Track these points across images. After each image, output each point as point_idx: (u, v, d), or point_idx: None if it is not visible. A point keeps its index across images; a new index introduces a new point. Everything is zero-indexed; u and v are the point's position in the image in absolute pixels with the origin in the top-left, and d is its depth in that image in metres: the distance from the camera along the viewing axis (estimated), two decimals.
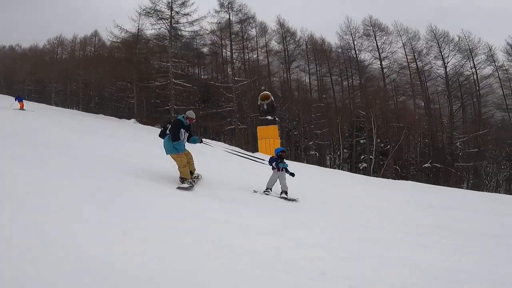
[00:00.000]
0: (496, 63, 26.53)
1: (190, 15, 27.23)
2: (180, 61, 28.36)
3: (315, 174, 11.34)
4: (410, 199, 7.83)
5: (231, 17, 28.96)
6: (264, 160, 6.82)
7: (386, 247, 3.81)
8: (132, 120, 23.52)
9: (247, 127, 27.58)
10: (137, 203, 3.92)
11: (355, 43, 29.87)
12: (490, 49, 26.77)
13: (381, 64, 29.01)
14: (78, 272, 2.08)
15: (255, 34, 30.73)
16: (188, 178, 5.45)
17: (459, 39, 26.64)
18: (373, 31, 29.23)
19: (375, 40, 29.16)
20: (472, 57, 26.66)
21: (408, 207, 6.93)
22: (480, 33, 43.27)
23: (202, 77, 33.72)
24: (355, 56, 30.13)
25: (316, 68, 31.98)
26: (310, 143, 28.67)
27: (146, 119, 25.55)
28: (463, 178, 26.24)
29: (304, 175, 8.83)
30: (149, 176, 5.45)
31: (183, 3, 27.03)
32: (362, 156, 27.60)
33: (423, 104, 28.80)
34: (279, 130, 17.37)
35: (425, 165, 26.17)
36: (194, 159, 5.84)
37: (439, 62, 27.54)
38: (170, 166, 5.74)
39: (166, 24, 26.80)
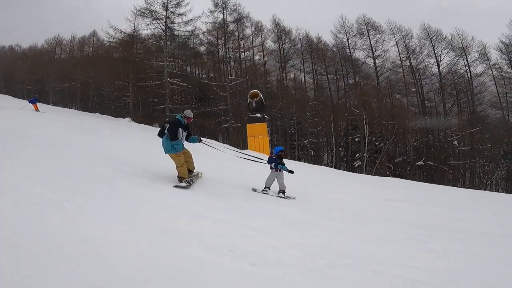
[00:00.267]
0: (489, 61, 26.58)
1: (185, 15, 27.59)
2: (175, 61, 28.66)
3: (311, 173, 11.28)
4: (406, 197, 7.70)
5: (225, 17, 29.26)
6: (263, 159, 6.90)
7: (386, 247, 3.79)
8: (127, 119, 23.85)
9: (241, 125, 27.81)
10: (136, 201, 4.03)
11: (349, 42, 30.02)
12: (484, 47, 26.83)
13: (374, 62, 29.13)
14: (83, 271, 2.14)
15: (250, 33, 31.02)
16: (186, 177, 5.51)
17: (451, 37, 26.72)
18: (367, 29, 29.37)
19: (369, 38, 29.29)
20: (466, 55, 26.72)
21: (404, 204, 6.81)
22: (480, 33, 43.41)
23: (199, 76, 34.03)
24: (349, 54, 30.25)
25: (312, 67, 32.12)
26: (305, 141, 28.87)
27: (141, 118, 25.87)
28: (459, 177, 26.21)
29: (303, 174, 8.95)
30: (147, 175, 5.55)
31: (178, 3, 27.38)
32: (358, 154, 27.78)
33: (416, 102, 28.85)
34: (268, 127, 17.62)
35: (418, 163, 26.26)
36: (193, 158, 5.89)
37: (432, 60, 27.63)
38: (168, 165, 5.78)
39: (161, 24, 27.15)
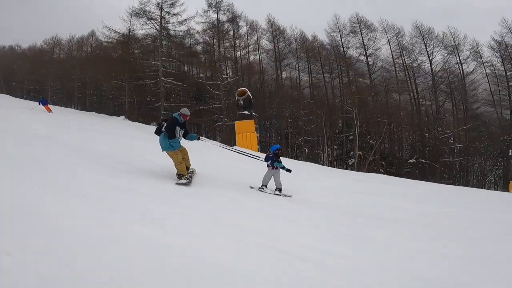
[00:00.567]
0: (482, 59, 26.64)
1: (180, 15, 27.96)
2: (170, 60, 29.06)
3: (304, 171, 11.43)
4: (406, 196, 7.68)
5: (218, 17, 29.60)
6: (260, 157, 7.10)
7: (384, 246, 3.84)
8: (122, 117, 24.30)
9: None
10: (138, 200, 4.18)
11: (342, 41, 30.19)
12: (476, 45, 26.90)
13: (367, 60, 29.29)
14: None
15: (244, 32, 31.32)
16: (185, 174, 5.63)
17: (443, 35, 26.80)
18: (360, 28, 29.52)
19: (361, 37, 29.45)
20: (458, 53, 26.80)
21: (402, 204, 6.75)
22: (480, 33, 43.38)
23: (196, 75, 34.33)
24: (343, 52, 30.42)
25: (308, 65, 32.29)
26: (299, 139, 29.11)
27: (137, 116, 26.31)
28: (455, 175, 26.12)
29: (300, 172, 9.11)
30: (145, 173, 5.75)
31: (172, 4, 27.74)
32: (352, 152, 27.96)
33: (409, 100, 28.95)
34: (256, 124, 17.95)
35: (410, 160, 26.39)
36: (190, 156, 6.02)
37: (424, 58, 27.75)
38: (165, 162, 5.92)
39: (156, 24, 27.55)
